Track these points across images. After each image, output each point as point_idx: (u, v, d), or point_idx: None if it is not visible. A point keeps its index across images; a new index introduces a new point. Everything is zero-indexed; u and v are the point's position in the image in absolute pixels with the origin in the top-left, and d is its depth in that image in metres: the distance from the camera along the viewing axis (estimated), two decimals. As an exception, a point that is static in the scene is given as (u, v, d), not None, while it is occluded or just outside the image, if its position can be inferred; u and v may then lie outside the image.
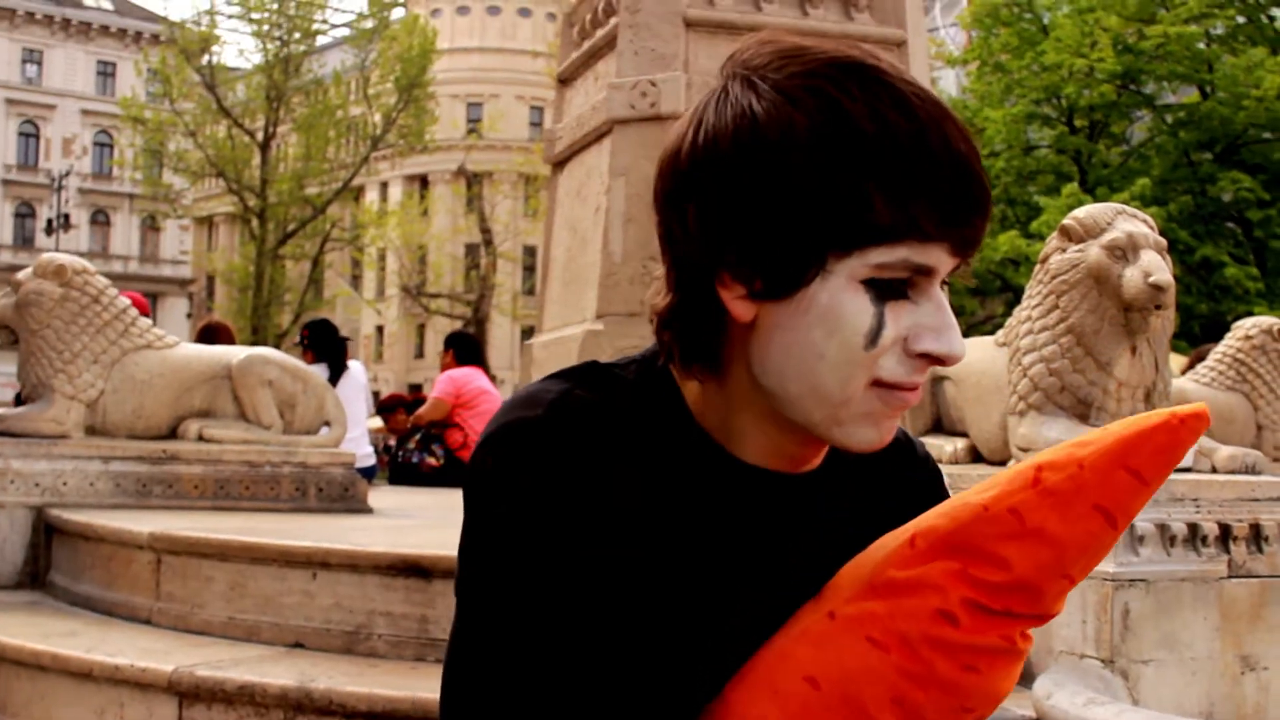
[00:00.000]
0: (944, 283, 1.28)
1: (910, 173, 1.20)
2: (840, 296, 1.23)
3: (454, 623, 1.33)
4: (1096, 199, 23.54)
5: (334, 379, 8.68)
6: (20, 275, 6.04)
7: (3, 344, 6.09)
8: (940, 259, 1.24)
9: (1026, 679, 3.67)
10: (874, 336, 1.23)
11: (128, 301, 6.19)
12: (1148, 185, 25.56)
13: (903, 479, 1.53)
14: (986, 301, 29.90)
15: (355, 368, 9.56)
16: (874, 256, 1.22)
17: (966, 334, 6.27)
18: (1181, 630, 3.55)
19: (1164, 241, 4.03)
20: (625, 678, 1.32)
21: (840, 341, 1.24)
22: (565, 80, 7.46)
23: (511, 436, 1.30)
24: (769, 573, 1.38)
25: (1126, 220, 4.01)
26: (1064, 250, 4.07)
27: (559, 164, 7.33)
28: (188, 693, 3.85)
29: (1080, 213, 4.11)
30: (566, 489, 1.28)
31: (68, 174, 53.04)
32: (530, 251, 56.84)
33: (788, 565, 1.39)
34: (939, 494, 1.54)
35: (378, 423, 12.16)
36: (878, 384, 1.25)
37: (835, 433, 1.28)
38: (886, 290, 1.23)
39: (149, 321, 6.26)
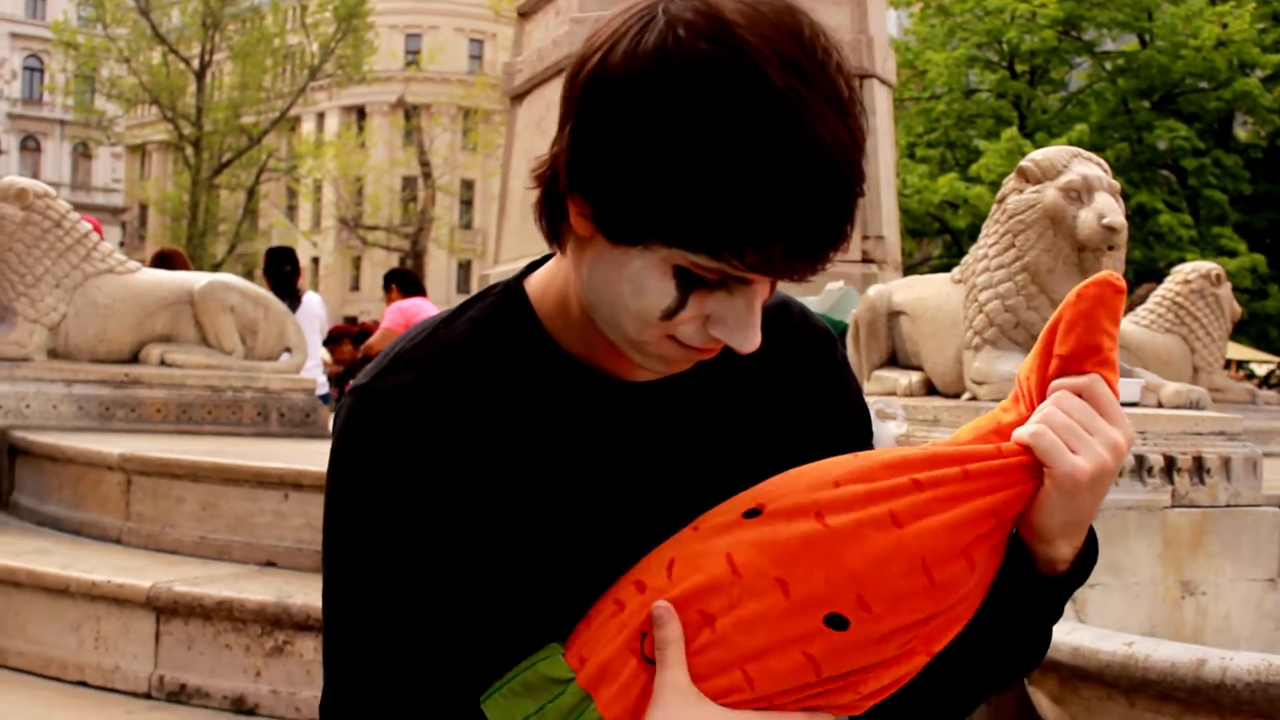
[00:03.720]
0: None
1: (747, 206, 1.20)
2: (652, 271, 1.27)
3: (323, 584, 1.37)
4: (1035, 144, 23.78)
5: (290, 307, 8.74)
6: (-20, 198, 6.04)
7: (-35, 267, 6.10)
8: (761, 278, 1.26)
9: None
10: (671, 314, 1.27)
11: (89, 226, 6.22)
12: (1085, 131, 25.85)
13: (801, 360, 1.55)
14: (924, 243, 30.17)
15: (311, 299, 9.59)
16: (697, 257, 1.24)
17: (905, 274, 6.38)
18: (1125, 556, 3.72)
19: (1117, 185, 4.19)
20: (509, 600, 1.37)
21: (642, 306, 1.29)
22: (525, 13, 7.49)
23: (363, 390, 1.38)
24: (640, 472, 1.42)
25: (1082, 163, 4.16)
26: (1021, 191, 4.21)
27: (518, 97, 7.38)
28: (165, 608, 3.94)
29: (1037, 155, 4.24)
30: (413, 437, 1.34)
31: (-3, 98, 52.11)
32: (469, 185, 56.62)
33: (658, 464, 1.43)
34: (833, 365, 1.57)
35: (324, 355, 12.17)
36: (673, 339, 1.30)
37: (630, 356, 1.35)
38: (696, 281, 1.26)
39: (110, 246, 6.28)
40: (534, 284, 1.48)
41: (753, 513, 1.29)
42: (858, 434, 1.58)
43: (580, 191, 1.31)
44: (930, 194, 27.09)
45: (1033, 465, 1.29)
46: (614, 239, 1.30)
